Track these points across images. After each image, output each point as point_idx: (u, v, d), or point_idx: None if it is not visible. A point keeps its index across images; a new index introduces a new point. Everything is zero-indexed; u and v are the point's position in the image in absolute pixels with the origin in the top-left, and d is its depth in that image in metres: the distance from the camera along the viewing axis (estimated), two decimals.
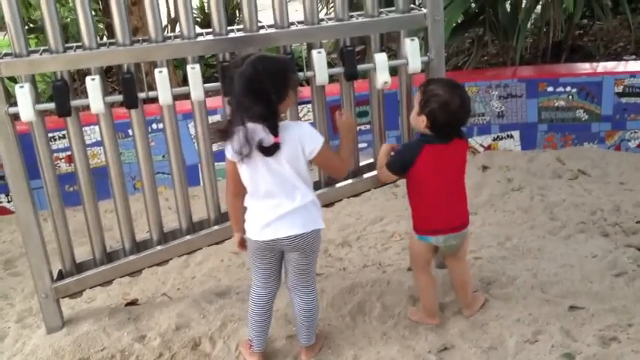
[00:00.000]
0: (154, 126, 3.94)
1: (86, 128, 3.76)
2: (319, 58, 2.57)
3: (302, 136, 2.25)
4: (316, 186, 2.71)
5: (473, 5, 4.82)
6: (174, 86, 2.58)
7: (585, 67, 4.36)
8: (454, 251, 2.57)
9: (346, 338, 2.59)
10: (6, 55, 2.46)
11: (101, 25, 5.47)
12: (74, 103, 2.53)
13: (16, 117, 2.49)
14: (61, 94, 2.48)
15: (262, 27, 2.63)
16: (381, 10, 2.69)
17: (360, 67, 2.67)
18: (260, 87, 2.14)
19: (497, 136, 4.29)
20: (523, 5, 4.69)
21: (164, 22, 4.86)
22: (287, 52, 2.63)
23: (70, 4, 5.30)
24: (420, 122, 2.43)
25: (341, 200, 2.88)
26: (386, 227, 3.48)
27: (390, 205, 3.68)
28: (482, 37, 4.89)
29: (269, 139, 2.19)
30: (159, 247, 2.80)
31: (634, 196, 3.59)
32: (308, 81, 2.67)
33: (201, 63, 2.61)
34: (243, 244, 2.47)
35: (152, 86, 2.58)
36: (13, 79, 2.65)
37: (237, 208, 2.40)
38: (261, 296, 2.43)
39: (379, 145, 2.80)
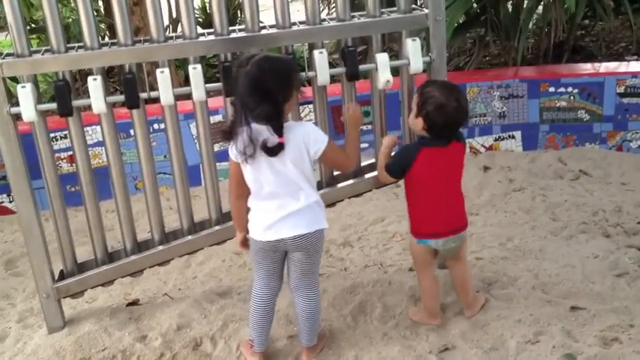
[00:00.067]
0: (156, 126, 3.94)
1: (88, 128, 3.77)
2: (321, 58, 2.57)
3: (306, 137, 2.25)
4: (318, 186, 2.71)
5: (474, 5, 4.82)
6: (176, 86, 2.58)
7: (587, 67, 4.35)
8: (454, 253, 2.57)
9: (347, 338, 2.59)
10: (8, 55, 2.46)
11: (103, 25, 5.47)
12: (76, 103, 2.53)
13: (17, 117, 2.50)
14: (63, 94, 2.48)
15: (264, 27, 2.63)
16: (383, 10, 2.69)
17: (362, 67, 2.67)
18: (265, 87, 2.14)
19: (499, 137, 4.29)
20: (525, 5, 4.69)
21: (166, 22, 4.87)
22: (288, 53, 2.63)
23: (72, 5, 5.30)
24: (417, 124, 2.43)
25: (342, 200, 2.87)
26: (387, 227, 3.48)
27: (392, 206, 3.68)
28: (484, 38, 4.89)
29: (273, 140, 2.18)
30: (160, 247, 2.80)
31: (635, 196, 3.59)
32: (309, 81, 2.67)
33: (202, 63, 2.61)
34: (245, 243, 2.47)
35: (154, 86, 2.58)
36: (15, 79, 2.66)
37: (240, 209, 2.40)
38: (263, 296, 2.43)
39: (380, 146, 2.80)
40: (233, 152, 2.25)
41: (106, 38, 5.30)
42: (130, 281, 3.07)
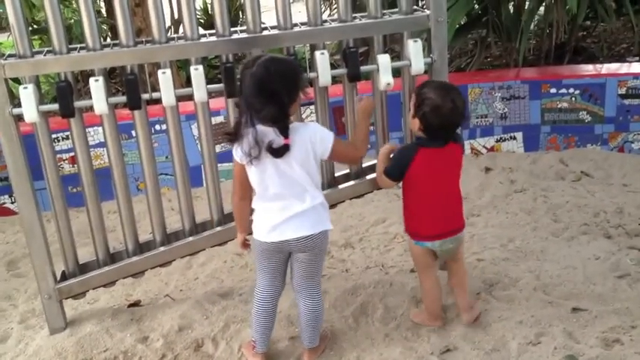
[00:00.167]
0: (157, 127, 3.95)
1: (89, 129, 3.77)
2: (322, 59, 2.57)
3: (313, 136, 2.25)
4: None
5: (476, 7, 4.82)
6: (178, 87, 2.58)
7: (588, 68, 4.35)
8: (451, 255, 2.57)
9: (349, 340, 2.59)
10: (10, 56, 2.47)
11: (105, 26, 5.48)
12: (78, 104, 2.53)
13: (19, 118, 2.50)
14: (65, 95, 2.48)
15: (265, 28, 2.63)
16: (384, 11, 2.69)
17: (363, 68, 2.67)
18: (272, 89, 2.13)
19: (500, 138, 4.29)
20: (526, 7, 4.69)
21: (167, 23, 4.88)
22: (290, 54, 2.63)
23: (74, 5, 5.31)
24: (414, 125, 2.43)
25: (343, 202, 2.88)
26: (388, 229, 3.48)
27: (393, 207, 3.68)
28: (486, 39, 4.89)
29: (279, 141, 2.18)
30: (162, 248, 2.80)
31: (637, 197, 3.58)
32: (311, 82, 2.67)
33: (204, 64, 2.61)
34: (245, 244, 2.47)
35: (155, 87, 2.58)
36: (17, 80, 2.66)
37: (243, 210, 2.40)
38: (265, 297, 2.43)
39: (382, 147, 2.80)
40: (238, 154, 2.25)
41: (108, 39, 5.31)
42: (132, 282, 3.07)
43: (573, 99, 4.15)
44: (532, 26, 4.93)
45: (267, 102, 2.13)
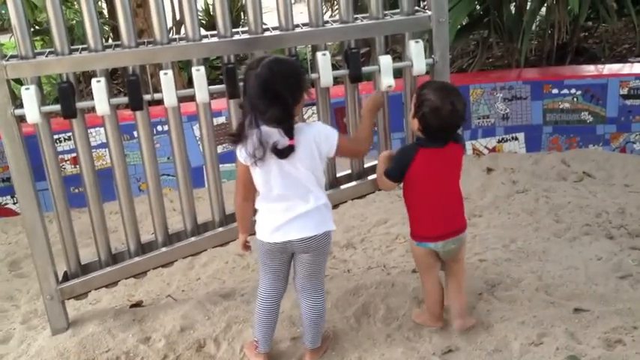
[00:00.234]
0: (159, 128, 3.95)
1: (91, 130, 3.76)
2: (324, 60, 2.57)
3: (317, 135, 2.25)
4: None
5: (477, 7, 4.82)
6: (180, 88, 2.59)
7: (590, 69, 4.35)
8: (453, 255, 2.56)
9: (350, 340, 2.59)
10: (12, 57, 2.47)
11: (106, 27, 5.49)
12: (80, 104, 2.53)
13: (22, 119, 2.50)
14: (67, 96, 2.49)
15: (267, 29, 2.63)
16: (386, 12, 2.69)
17: (365, 69, 2.67)
18: (276, 90, 2.13)
19: (502, 138, 4.29)
20: (528, 7, 4.69)
21: (169, 24, 4.88)
22: (292, 55, 2.63)
23: (76, 6, 5.32)
24: (414, 125, 2.43)
25: (345, 202, 2.88)
26: (390, 229, 3.48)
27: (394, 207, 3.68)
28: (487, 39, 4.89)
29: (283, 142, 2.18)
30: (164, 249, 2.80)
31: (639, 198, 3.58)
32: (313, 83, 2.67)
33: (206, 65, 2.61)
34: (246, 245, 2.47)
35: (157, 88, 2.59)
36: (19, 81, 2.67)
37: (245, 211, 2.41)
38: (268, 297, 2.43)
39: (384, 147, 2.80)
40: (242, 155, 2.24)
41: (110, 40, 5.32)
42: (134, 283, 3.08)
43: (575, 99, 4.15)
44: (534, 27, 4.92)
45: (272, 103, 2.13)
